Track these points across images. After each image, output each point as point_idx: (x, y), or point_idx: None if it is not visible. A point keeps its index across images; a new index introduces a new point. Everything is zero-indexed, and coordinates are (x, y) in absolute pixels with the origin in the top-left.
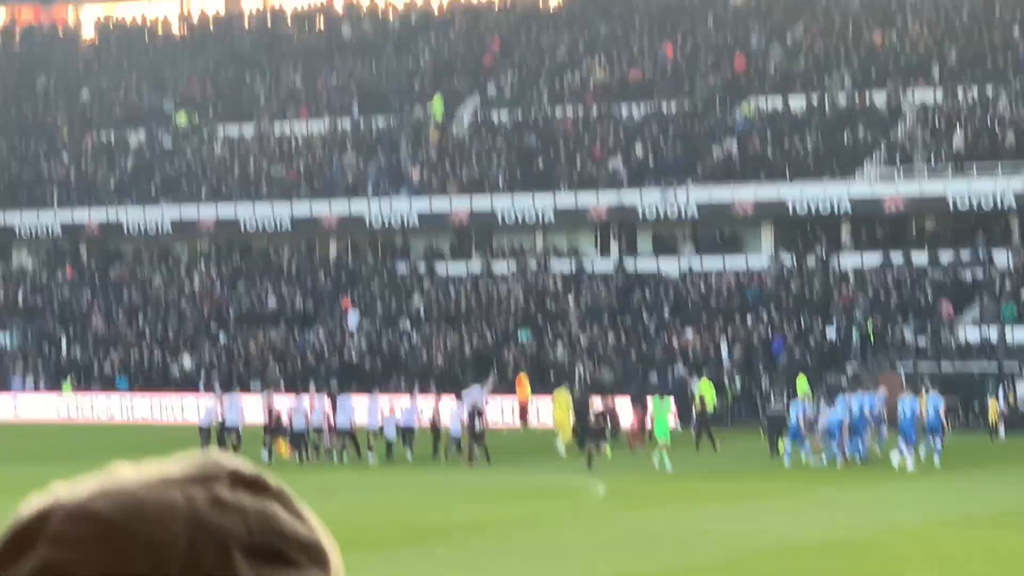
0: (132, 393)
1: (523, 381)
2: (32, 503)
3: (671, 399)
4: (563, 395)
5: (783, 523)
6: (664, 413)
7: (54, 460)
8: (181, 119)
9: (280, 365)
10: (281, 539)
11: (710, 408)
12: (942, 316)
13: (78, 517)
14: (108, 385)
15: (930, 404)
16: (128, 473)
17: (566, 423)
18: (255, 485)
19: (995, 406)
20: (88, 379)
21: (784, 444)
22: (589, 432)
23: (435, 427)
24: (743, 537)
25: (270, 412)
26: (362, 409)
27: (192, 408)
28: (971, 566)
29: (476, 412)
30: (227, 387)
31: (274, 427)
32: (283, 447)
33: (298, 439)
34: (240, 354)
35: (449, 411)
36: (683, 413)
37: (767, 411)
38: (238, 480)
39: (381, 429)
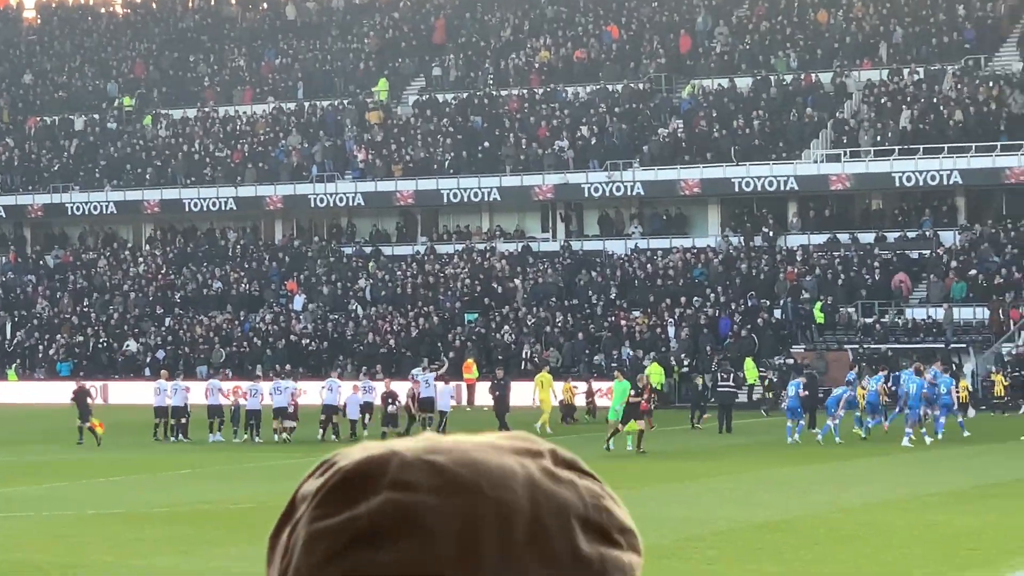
0: (77, 379)
1: (471, 367)
2: (353, 453)
3: (628, 383)
4: (546, 376)
5: (732, 503)
6: (621, 396)
7: (3, 444)
8: (126, 102)
9: (226, 348)
10: (609, 519)
11: (657, 387)
12: (902, 290)
13: (421, 466)
14: (52, 369)
15: (941, 381)
16: (450, 439)
17: (548, 403)
18: (574, 465)
19: (965, 385)
20: (32, 364)
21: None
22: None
23: (409, 409)
24: (691, 518)
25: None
26: (315, 391)
27: (138, 391)
28: (916, 547)
29: (390, 396)
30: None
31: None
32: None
33: (252, 420)
34: (186, 337)
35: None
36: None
37: (717, 389)
38: (559, 459)
39: (345, 408)
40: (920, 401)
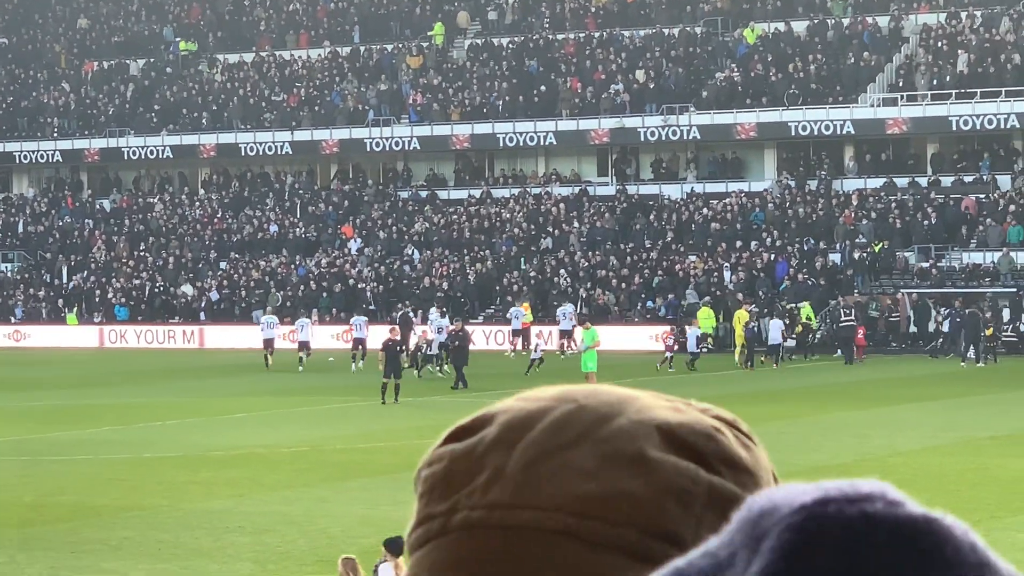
0: (134, 323)
1: (526, 308)
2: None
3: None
4: (743, 312)
5: (787, 447)
6: (590, 343)
7: (61, 387)
8: (182, 47)
9: (281, 292)
10: (718, 451)
11: (709, 331)
12: (968, 215)
13: (553, 390)
14: (109, 313)
15: None
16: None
17: (741, 338)
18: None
19: None
20: (90, 308)
21: None
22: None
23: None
24: None
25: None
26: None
27: (194, 335)
28: (970, 491)
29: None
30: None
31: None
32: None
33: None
34: (241, 282)
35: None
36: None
37: (840, 324)
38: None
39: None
40: None
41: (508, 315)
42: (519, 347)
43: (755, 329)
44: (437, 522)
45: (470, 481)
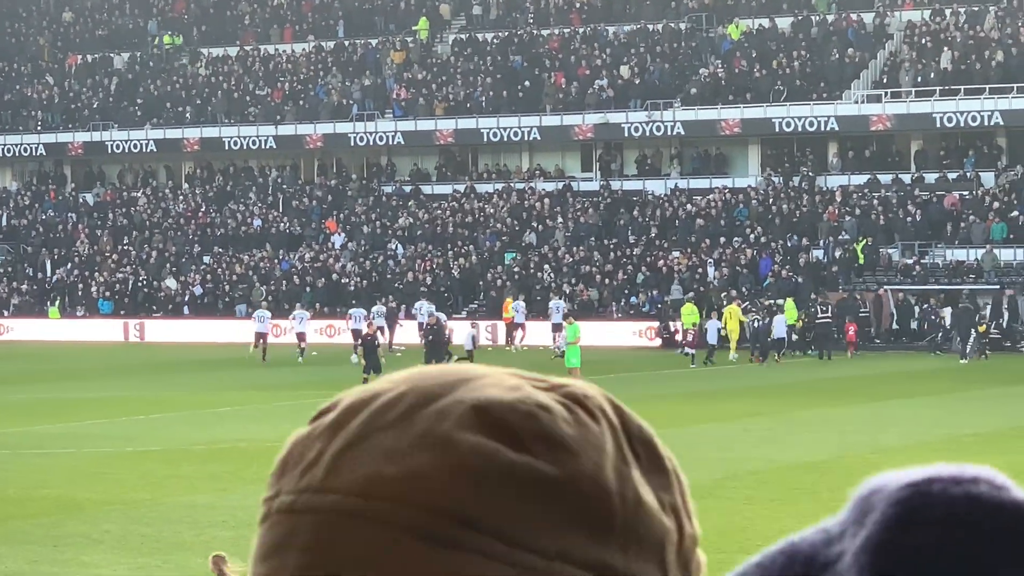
0: (117, 317)
1: (509, 305)
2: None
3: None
4: (735, 308)
5: (769, 443)
6: (573, 339)
7: (43, 381)
8: (166, 40)
9: (264, 287)
10: (535, 430)
11: (691, 327)
12: (953, 212)
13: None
14: (92, 307)
15: None
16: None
17: (736, 333)
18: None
19: None
20: (72, 301)
21: None
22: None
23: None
24: (727, 458)
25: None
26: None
27: (176, 329)
28: None
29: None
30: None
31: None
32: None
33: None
34: (225, 276)
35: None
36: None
37: (816, 322)
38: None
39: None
40: None
41: (511, 310)
42: (519, 341)
43: (758, 325)
44: (264, 507)
45: (296, 465)
